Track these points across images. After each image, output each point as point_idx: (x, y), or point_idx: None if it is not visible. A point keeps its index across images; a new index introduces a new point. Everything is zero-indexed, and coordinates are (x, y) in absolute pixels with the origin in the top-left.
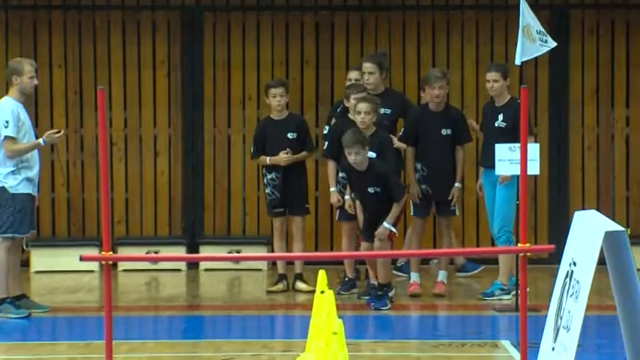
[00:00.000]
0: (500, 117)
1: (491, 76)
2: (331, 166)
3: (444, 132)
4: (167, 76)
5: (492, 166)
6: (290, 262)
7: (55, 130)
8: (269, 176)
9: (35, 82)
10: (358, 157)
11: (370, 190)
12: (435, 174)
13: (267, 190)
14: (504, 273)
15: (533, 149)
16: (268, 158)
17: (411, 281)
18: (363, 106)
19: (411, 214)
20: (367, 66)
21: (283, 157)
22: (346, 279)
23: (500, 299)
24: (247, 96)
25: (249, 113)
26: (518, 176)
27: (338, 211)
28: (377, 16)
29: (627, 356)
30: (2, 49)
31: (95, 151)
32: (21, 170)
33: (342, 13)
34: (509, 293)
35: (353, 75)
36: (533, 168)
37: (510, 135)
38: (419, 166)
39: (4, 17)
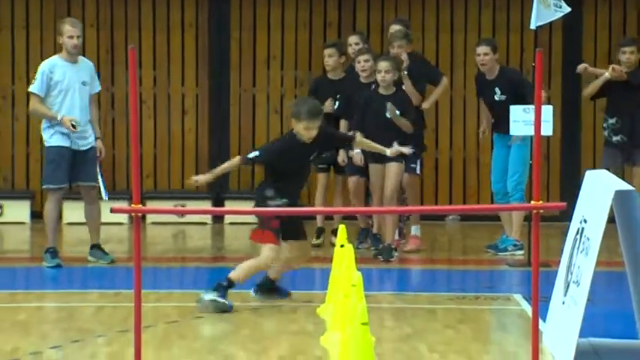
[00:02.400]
0: (497, 91)
1: (482, 49)
2: (342, 125)
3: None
4: (195, 38)
5: (502, 131)
6: (329, 217)
7: (73, 122)
8: None
9: (74, 41)
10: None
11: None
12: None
13: None
14: (517, 230)
15: (547, 111)
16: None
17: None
18: (383, 65)
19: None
20: (396, 28)
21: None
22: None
23: (512, 255)
24: (272, 56)
25: (274, 73)
26: (530, 137)
27: (347, 166)
28: None
29: (635, 310)
30: (37, 9)
31: (125, 109)
32: (54, 125)
33: None
34: (521, 249)
35: (353, 40)
36: (547, 129)
37: (512, 104)
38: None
39: None
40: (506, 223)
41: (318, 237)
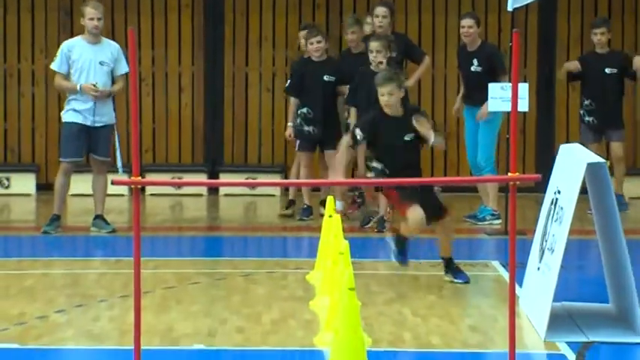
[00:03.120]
0: (475, 62)
1: (466, 22)
2: (292, 102)
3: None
4: (191, 20)
5: (474, 104)
6: (315, 189)
7: (94, 88)
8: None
9: (94, 23)
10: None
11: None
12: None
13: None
14: (493, 200)
15: (522, 88)
16: None
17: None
18: (374, 45)
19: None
20: (381, 10)
21: None
22: (305, 206)
23: (491, 224)
24: (264, 37)
25: (265, 53)
26: (499, 112)
27: (297, 142)
28: None
29: (605, 275)
30: None
31: (126, 87)
32: (71, 102)
33: None
34: (499, 218)
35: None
36: (523, 105)
37: (486, 77)
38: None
39: None
40: (484, 194)
41: (287, 208)
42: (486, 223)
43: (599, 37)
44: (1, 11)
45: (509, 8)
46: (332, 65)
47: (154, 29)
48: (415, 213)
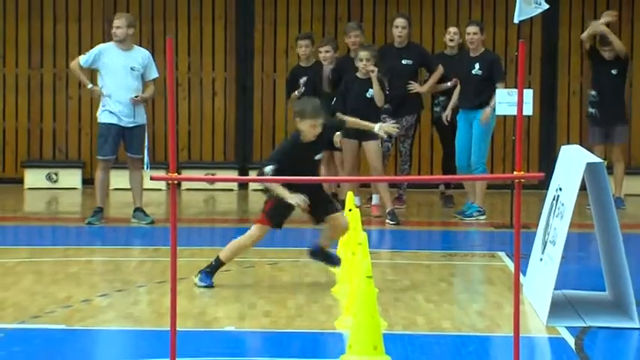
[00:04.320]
0: (477, 66)
1: (472, 29)
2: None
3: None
4: (224, 29)
5: (469, 108)
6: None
7: (99, 93)
8: None
9: (114, 30)
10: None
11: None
12: None
13: None
14: (480, 197)
15: (527, 94)
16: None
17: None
18: (364, 54)
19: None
20: (401, 22)
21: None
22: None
23: (477, 219)
24: (290, 46)
25: (292, 61)
26: (494, 116)
27: None
28: None
29: (602, 266)
30: (88, 3)
31: (164, 91)
32: (105, 104)
33: None
34: (484, 214)
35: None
36: (527, 109)
37: (485, 81)
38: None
39: None
40: (471, 191)
41: None
42: (473, 218)
43: (607, 54)
44: (51, 21)
45: (516, 20)
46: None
47: (190, 38)
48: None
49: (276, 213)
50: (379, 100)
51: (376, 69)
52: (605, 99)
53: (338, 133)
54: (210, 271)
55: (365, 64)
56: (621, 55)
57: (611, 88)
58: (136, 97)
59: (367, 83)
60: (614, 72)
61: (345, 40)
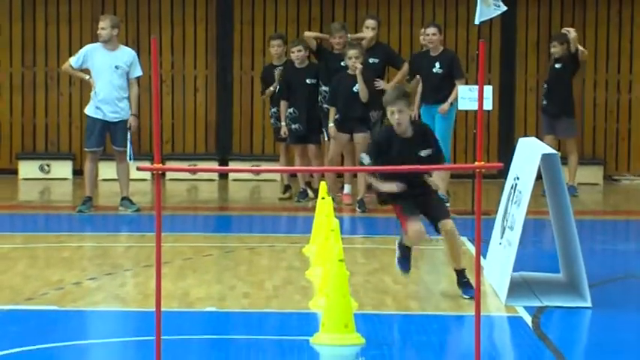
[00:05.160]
0: (437, 65)
1: (431, 30)
2: (282, 104)
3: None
4: (205, 30)
5: (431, 103)
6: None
7: (93, 85)
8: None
9: (98, 31)
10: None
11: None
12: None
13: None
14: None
15: (487, 90)
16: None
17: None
18: (352, 52)
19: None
20: (371, 22)
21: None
22: (301, 190)
23: None
24: (267, 46)
25: (268, 59)
26: (454, 110)
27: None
28: None
29: (557, 249)
30: (77, 6)
31: (149, 87)
32: (93, 99)
33: None
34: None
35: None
36: (487, 104)
37: (445, 78)
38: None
39: None
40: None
41: (284, 192)
42: None
43: (556, 49)
44: (43, 22)
45: (476, 22)
46: (312, 70)
47: (173, 38)
48: (413, 227)
49: (407, 209)
50: (363, 96)
51: (361, 66)
52: (550, 91)
53: (331, 124)
54: (404, 258)
55: (354, 61)
56: (580, 58)
57: (556, 81)
58: (129, 127)
59: (355, 79)
60: (557, 66)
61: (330, 40)
